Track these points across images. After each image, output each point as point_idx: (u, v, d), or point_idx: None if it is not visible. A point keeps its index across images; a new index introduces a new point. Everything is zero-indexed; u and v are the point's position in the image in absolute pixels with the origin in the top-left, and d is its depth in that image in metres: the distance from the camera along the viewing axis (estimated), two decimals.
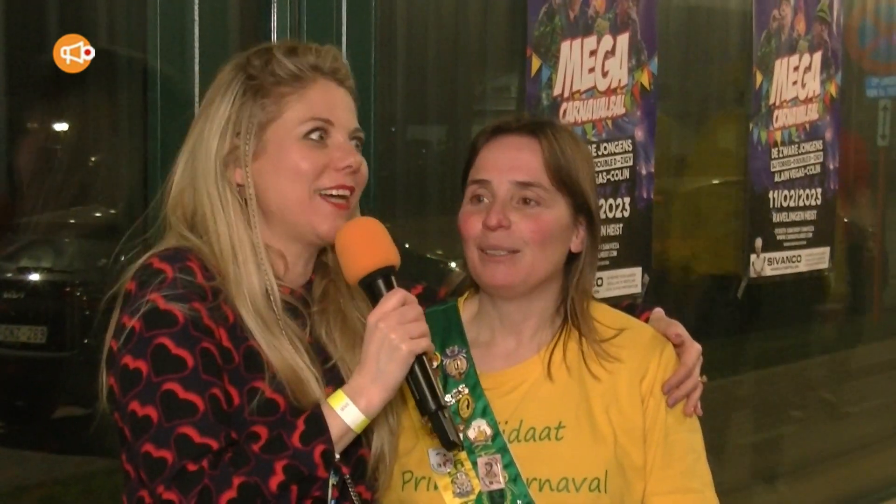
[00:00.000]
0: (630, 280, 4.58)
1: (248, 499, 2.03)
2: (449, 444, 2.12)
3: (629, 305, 2.58)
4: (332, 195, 2.28)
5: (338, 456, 2.13)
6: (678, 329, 2.46)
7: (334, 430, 2.10)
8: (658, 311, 2.55)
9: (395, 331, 2.12)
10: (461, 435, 2.34)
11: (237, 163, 2.26)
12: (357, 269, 2.18)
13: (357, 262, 2.18)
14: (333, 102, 2.30)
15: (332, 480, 2.12)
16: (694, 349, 2.43)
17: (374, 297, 2.17)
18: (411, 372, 2.13)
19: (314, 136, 2.27)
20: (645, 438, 2.36)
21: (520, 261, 2.35)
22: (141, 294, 2.14)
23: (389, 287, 2.17)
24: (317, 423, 2.10)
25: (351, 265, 2.19)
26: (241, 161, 2.25)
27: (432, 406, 2.12)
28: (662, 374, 2.39)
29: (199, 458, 2.04)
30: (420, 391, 2.13)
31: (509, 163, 2.37)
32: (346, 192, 2.29)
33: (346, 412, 2.11)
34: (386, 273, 2.17)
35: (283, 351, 2.19)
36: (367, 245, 2.20)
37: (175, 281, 2.14)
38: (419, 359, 2.14)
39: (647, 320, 2.52)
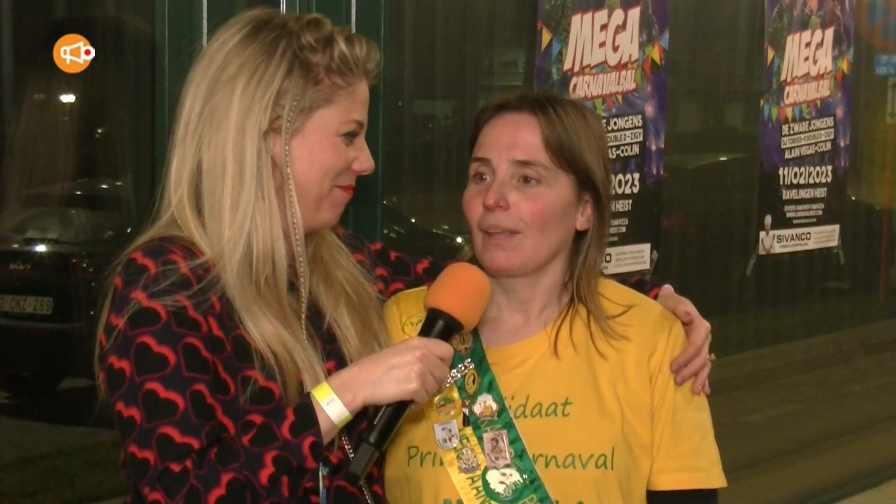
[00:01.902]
0: (638, 256, 4.57)
1: (238, 494, 2.02)
2: (350, 472, 2.12)
3: (638, 282, 2.56)
4: (341, 187, 2.29)
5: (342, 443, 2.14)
6: (687, 307, 2.44)
7: (322, 424, 2.09)
8: (667, 288, 2.53)
9: (422, 367, 2.12)
10: (468, 412, 2.34)
11: (274, 136, 2.21)
12: (440, 300, 2.21)
13: (445, 297, 2.21)
14: (367, 104, 2.30)
15: (323, 471, 2.12)
16: (703, 327, 2.42)
17: (428, 328, 2.20)
18: (391, 404, 2.13)
19: (349, 136, 2.27)
20: (653, 416, 2.35)
21: (519, 244, 2.33)
22: (126, 292, 2.12)
23: (445, 336, 2.19)
24: (306, 414, 2.08)
25: (439, 294, 2.22)
26: (282, 136, 2.20)
27: (372, 440, 2.11)
28: (671, 352, 2.37)
29: (181, 459, 2.02)
30: (380, 421, 2.13)
31: (509, 141, 2.34)
32: (350, 189, 2.31)
33: (330, 407, 2.10)
34: (452, 324, 2.20)
35: (274, 325, 2.17)
36: (466, 294, 2.23)
37: (158, 276, 2.11)
38: (406, 403, 2.14)
39: (656, 297, 2.50)
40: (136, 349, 2.08)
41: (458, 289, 2.23)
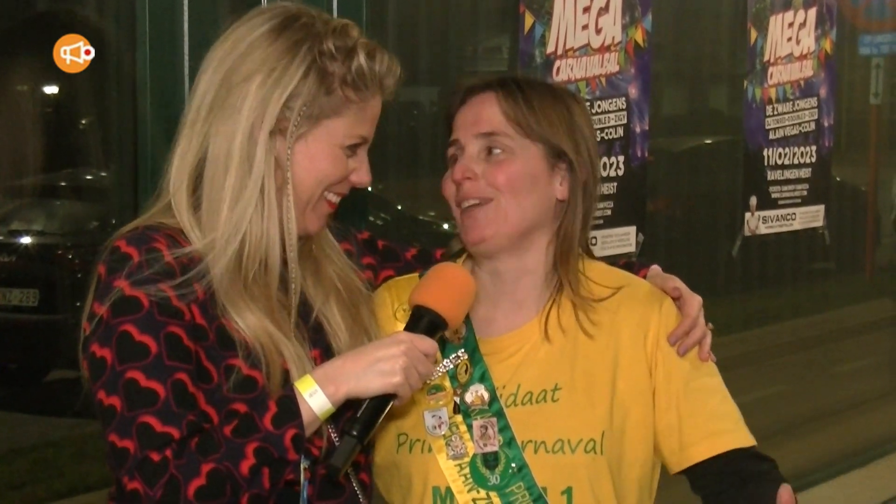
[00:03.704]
0: (624, 239, 4.57)
1: (218, 485, 2.02)
2: (331, 464, 2.11)
3: (626, 264, 2.56)
4: (330, 199, 2.28)
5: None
6: (675, 283, 2.44)
7: (304, 416, 2.08)
8: (655, 268, 2.53)
9: (406, 361, 2.12)
10: (458, 401, 2.35)
11: (279, 136, 2.20)
12: (425, 297, 2.22)
13: (431, 295, 2.22)
14: (376, 119, 2.30)
15: (304, 464, 2.11)
16: (695, 300, 2.41)
17: (413, 325, 2.21)
18: (374, 398, 2.13)
19: (351, 148, 2.26)
20: (656, 396, 2.34)
21: (493, 210, 2.34)
22: (109, 280, 2.11)
23: (430, 333, 2.19)
24: (289, 406, 2.07)
25: (424, 291, 2.23)
26: (287, 139, 2.20)
27: (355, 433, 2.11)
28: (665, 327, 2.37)
29: (161, 448, 2.02)
30: (363, 414, 2.12)
31: (473, 118, 2.38)
32: (339, 198, 2.31)
33: (313, 399, 2.09)
34: (437, 322, 2.21)
35: (260, 318, 2.17)
36: (451, 293, 2.24)
37: (142, 264, 2.11)
38: (389, 397, 2.14)
39: (644, 277, 2.50)
40: (118, 338, 2.07)
41: (443, 287, 2.24)
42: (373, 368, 2.11)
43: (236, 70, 2.19)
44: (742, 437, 2.37)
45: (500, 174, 2.34)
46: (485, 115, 2.37)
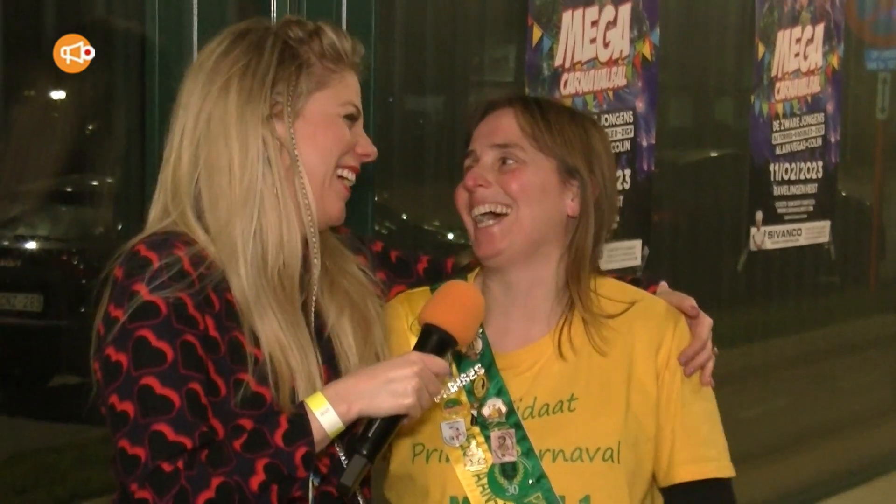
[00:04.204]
0: (630, 252, 4.58)
1: (227, 499, 2.01)
2: (342, 484, 2.11)
3: (634, 280, 2.58)
4: (344, 177, 2.29)
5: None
6: (692, 302, 2.47)
7: (315, 434, 2.08)
8: (664, 285, 2.56)
9: (419, 382, 2.12)
10: (476, 414, 2.37)
11: (277, 120, 2.22)
12: (435, 316, 2.22)
13: (441, 313, 2.23)
14: (359, 93, 2.33)
15: (314, 481, 2.12)
16: (706, 322, 2.45)
17: (423, 343, 2.21)
18: (385, 418, 2.13)
19: (349, 119, 2.28)
20: (659, 410, 2.38)
21: (507, 223, 2.38)
22: (128, 284, 2.11)
23: (440, 351, 2.20)
24: (300, 424, 2.08)
25: (434, 310, 2.23)
26: (285, 119, 2.22)
27: (365, 452, 2.12)
28: (677, 346, 2.40)
29: (173, 458, 2.01)
30: (373, 434, 2.13)
31: (490, 130, 2.43)
32: (354, 176, 2.32)
33: (325, 417, 2.09)
34: (447, 340, 2.21)
35: (280, 324, 2.17)
36: (460, 311, 2.25)
37: (161, 270, 2.10)
38: (399, 416, 2.14)
39: (653, 293, 2.53)
40: (135, 343, 2.07)
41: (452, 305, 2.24)
42: (385, 389, 2.11)
43: (211, 83, 2.22)
44: (725, 468, 2.43)
45: (514, 182, 2.37)
46: (501, 127, 2.42)
